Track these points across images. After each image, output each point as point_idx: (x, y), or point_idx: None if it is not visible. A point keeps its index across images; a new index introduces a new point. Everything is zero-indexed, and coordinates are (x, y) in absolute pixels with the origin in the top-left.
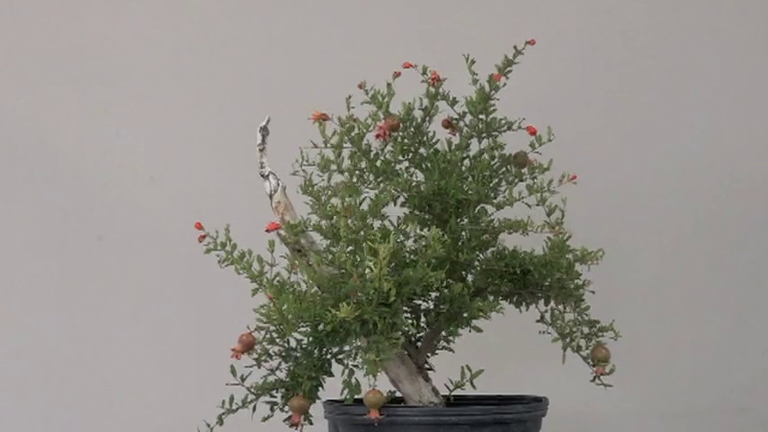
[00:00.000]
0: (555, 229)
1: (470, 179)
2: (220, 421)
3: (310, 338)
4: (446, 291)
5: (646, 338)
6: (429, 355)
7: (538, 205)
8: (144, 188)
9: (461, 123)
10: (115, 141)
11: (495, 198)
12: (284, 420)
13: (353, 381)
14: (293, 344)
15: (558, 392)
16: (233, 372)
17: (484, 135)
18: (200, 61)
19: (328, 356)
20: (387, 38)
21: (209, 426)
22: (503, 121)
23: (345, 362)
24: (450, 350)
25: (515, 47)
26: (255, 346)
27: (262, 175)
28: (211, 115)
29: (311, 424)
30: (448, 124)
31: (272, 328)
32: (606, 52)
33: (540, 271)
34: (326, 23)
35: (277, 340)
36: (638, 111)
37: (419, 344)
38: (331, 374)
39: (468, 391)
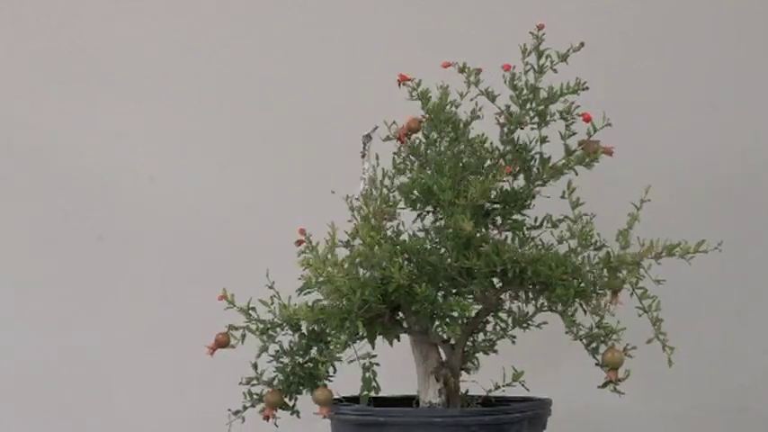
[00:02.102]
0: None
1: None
2: (243, 409)
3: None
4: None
5: (645, 338)
6: (475, 354)
7: (563, 197)
8: (144, 188)
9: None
10: (115, 141)
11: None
12: (259, 412)
13: (370, 378)
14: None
15: (559, 392)
16: (255, 367)
17: (535, 125)
18: (200, 61)
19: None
20: (387, 38)
21: (236, 413)
22: (554, 109)
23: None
24: (494, 351)
25: (531, 33)
26: (232, 344)
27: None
28: (211, 115)
29: (298, 417)
30: (508, 118)
31: (252, 327)
32: (606, 52)
33: (513, 270)
34: (326, 23)
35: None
36: (638, 111)
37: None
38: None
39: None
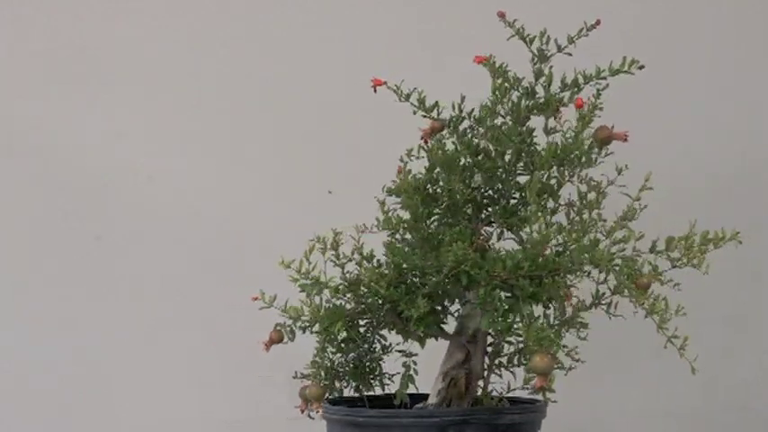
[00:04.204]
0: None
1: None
2: None
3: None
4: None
5: (645, 338)
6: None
7: (520, 194)
8: (142, 187)
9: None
10: (114, 141)
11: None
12: (295, 407)
13: (411, 377)
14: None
15: (566, 391)
16: (319, 362)
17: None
18: (199, 61)
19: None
20: (387, 38)
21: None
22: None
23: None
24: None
25: (504, 21)
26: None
27: None
28: (210, 115)
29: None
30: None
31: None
32: (606, 52)
33: (449, 270)
34: (326, 23)
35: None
36: (637, 110)
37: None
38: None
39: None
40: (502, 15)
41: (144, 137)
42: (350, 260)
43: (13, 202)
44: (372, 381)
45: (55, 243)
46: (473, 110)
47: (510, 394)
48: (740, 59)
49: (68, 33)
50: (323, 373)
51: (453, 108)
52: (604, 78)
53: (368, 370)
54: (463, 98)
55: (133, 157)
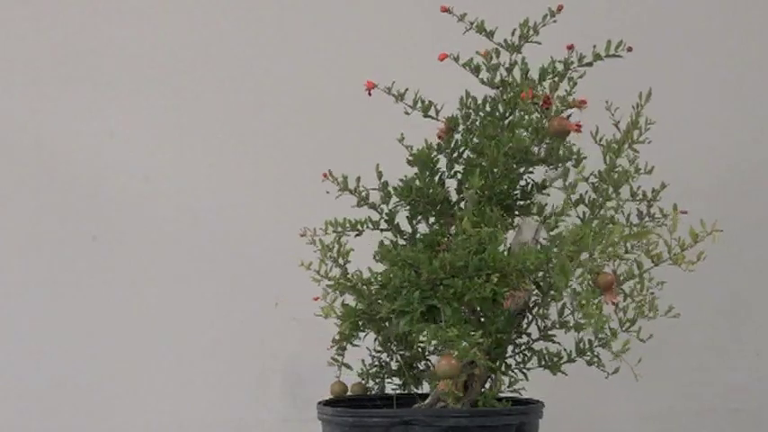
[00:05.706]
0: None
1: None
2: None
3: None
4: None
5: (636, 339)
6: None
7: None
8: (139, 188)
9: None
10: (109, 141)
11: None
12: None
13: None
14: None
15: (556, 393)
16: (381, 362)
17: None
18: (194, 61)
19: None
20: (387, 37)
21: None
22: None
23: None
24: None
25: (452, 13)
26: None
27: None
28: (206, 114)
29: None
30: (547, 100)
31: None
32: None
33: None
34: (325, 23)
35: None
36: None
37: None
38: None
39: None
40: (445, 10)
41: (139, 137)
42: (348, 261)
43: (7, 203)
44: (423, 379)
45: (51, 244)
46: (478, 108)
47: (511, 394)
48: (740, 59)
49: (62, 33)
50: (340, 371)
51: (461, 106)
52: (590, 65)
53: (415, 368)
54: (468, 95)
55: (130, 157)
